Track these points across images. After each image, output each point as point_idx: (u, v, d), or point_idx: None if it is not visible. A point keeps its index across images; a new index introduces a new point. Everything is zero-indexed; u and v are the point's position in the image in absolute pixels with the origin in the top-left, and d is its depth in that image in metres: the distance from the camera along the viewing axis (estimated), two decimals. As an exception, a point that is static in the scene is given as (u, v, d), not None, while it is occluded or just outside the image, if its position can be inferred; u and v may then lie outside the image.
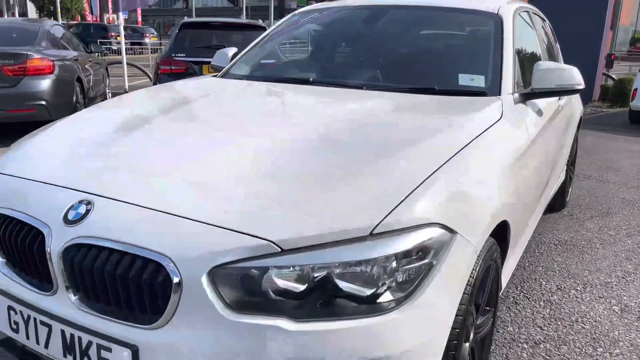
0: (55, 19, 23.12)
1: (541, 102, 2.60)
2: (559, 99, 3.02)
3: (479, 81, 2.39)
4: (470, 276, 1.55)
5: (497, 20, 2.65)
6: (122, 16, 9.47)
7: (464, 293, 1.52)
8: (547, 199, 3.18)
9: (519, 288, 2.87)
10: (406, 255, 1.35)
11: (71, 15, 26.88)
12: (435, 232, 1.42)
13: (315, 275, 1.29)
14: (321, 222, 1.33)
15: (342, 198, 1.40)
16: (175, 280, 1.28)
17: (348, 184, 1.46)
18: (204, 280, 1.27)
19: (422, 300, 1.36)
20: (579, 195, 4.66)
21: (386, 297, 1.33)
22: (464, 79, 2.41)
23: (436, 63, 2.60)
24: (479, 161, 1.76)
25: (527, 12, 3.18)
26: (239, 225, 1.32)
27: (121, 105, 2.44)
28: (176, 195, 1.44)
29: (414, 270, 1.37)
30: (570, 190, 4.44)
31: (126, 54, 10.37)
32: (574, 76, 2.44)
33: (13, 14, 28.55)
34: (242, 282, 1.29)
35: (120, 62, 9.90)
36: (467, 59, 2.60)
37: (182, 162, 1.62)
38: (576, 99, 4.06)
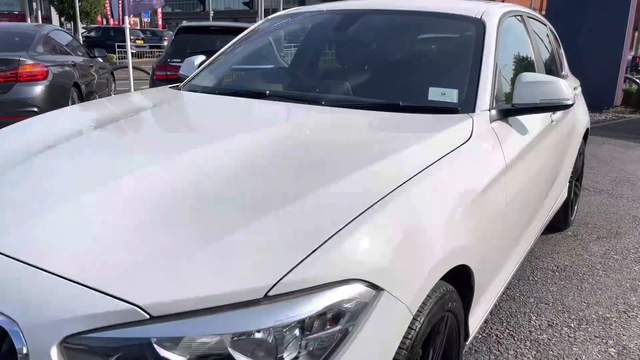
0: (75, 22, 23.37)
1: (527, 118, 2.31)
2: (553, 113, 2.72)
3: (451, 96, 2.11)
4: (405, 338, 1.29)
5: (479, 27, 2.37)
6: (127, 20, 9.33)
7: (395, 360, 1.26)
8: (541, 221, 2.88)
9: (504, 324, 2.58)
10: (314, 320, 1.10)
11: (90, 19, 27.15)
12: (353, 291, 1.16)
13: (196, 348, 1.04)
14: (205, 281, 1.08)
15: (237, 250, 1.15)
16: (23, 351, 1.05)
17: (248, 231, 1.20)
18: (54, 353, 1.04)
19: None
20: (587, 213, 4.31)
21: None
22: (434, 94, 2.13)
23: (406, 75, 2.33)
24: (427, 195, 1.49)
25: (520, 16, 2.89)
26: (101, 283, 1.08)
27: (43, 122, 2.21)
28: (41, 240, 1.21)
29: (325, 338, 1.12)
30: (576, 207, 4.10)
31: (146, 57, 10.29)
32: (560, 90, 2.15)
33: (36, 18, 29.02)
34: (102, 357, 1.05)
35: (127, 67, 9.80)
36: (441, 70, 2.32)
37: (63, 197, 1.37)
38: (580, 109, 3.74)
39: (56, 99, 6.35)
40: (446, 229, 1.50)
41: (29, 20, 28.91)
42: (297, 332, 1.09)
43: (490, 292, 2.04)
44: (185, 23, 7.41)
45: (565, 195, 3.56)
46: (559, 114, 2.83)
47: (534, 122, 2.38)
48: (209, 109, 2.24)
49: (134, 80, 8.75)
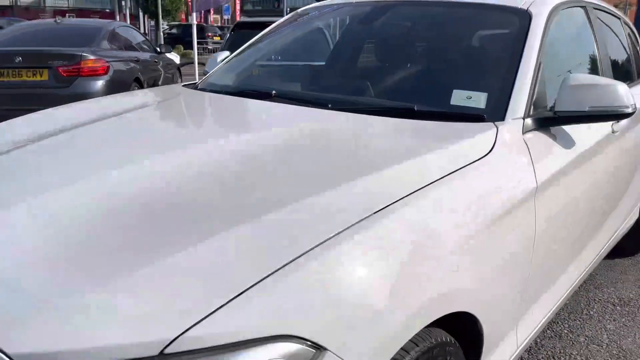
0: (157, 20, 24.34)
1: (575, 129, 1.93)
2: (615, 122, 2.30)
3: (477, 100, 1.79)
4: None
5: (523, 19, 2.01)
6: (194, 16, 9.52)
7: None
8: (600, 247, 2.46)
9: (543, 367, 2.21)
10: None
11: (172, 16, 28.22)
12: (284, 350, 0.92)
13: None
14: (84, 331, 0.88)
15: (141, 286, 0.94)
16: None
17: (156, 268, 0.98)
18: None
19: None
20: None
21: None
22: (459, 97, 1.82)
23: (428, 76, 2.02)
24: (409, 227, 1.20)
25: (583, 7, 2.47)
26: None
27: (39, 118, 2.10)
28: None
29: None
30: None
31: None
32: (617, 95, 1.77)
33: (124, 16, 30.57)
34: None
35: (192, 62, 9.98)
36: (473, 70, 2.00)
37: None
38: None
39: (116, 93, 6.49)
40: (440, 265, 1.21)
41: (117, 17, 30.53)
42: None
43: (513, 338, 1.71)
44: (242, 19, 7.40)
45: (636, 216, 3.07)
46: (623, 123, 2.40)
47: (585, 133, 1.99)
48: (207, 109, 2.06)
49: (199, 75, 8.88)
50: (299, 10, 2.72)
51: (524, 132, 1.69)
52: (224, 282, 0.94)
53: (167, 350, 0.85)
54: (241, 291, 0.93)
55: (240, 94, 2.14)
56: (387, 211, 1.17)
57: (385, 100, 1.94)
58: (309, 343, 0.94)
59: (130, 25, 8.88)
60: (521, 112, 1.73)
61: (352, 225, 1.10)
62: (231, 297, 0.91)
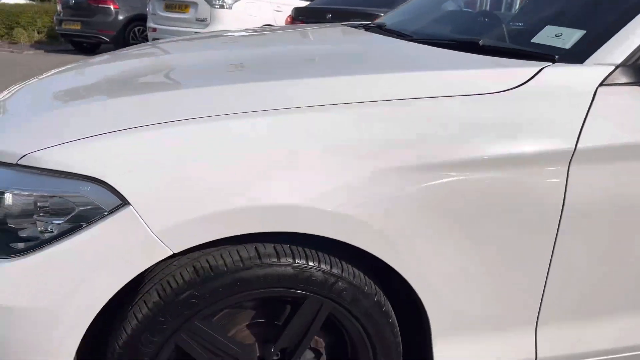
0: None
1: None
2: None
3: (566, 38, 1.36)
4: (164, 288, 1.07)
5: None
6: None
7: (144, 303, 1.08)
8: None
9: None
10: (45, 201, 1.07)
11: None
12: (89, 190, 1.05)
13: None
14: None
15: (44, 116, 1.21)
16: None
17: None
18: None
19: (36, 268, 1.05)
20: None
21: (19, 241, 1.09)
22: (546, 34, 1.42)
23: (531, 13, 1.59)
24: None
25: None
26: None
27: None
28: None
29: (51, 224, 1.07)
30: None
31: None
32: None
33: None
34: None
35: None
36: (586, 5, 1.49)
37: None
38: None
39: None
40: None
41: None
42: (31, 205, 1.08)
43: (520, 342, 1.33)
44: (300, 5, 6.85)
45: None
46: None
47: None
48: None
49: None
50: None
51: (604, 82, 1.23)
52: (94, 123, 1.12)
53: (20, 162, 1.09)
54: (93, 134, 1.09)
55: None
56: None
57: (467, 37, 1.65)
58: (119, 194, 1.04)
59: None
60: (621, 57, 1.25)
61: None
62: (79, 138, 1.09)
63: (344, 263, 1.18)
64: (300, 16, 6.86)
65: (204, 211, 1.05)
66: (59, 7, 10.01)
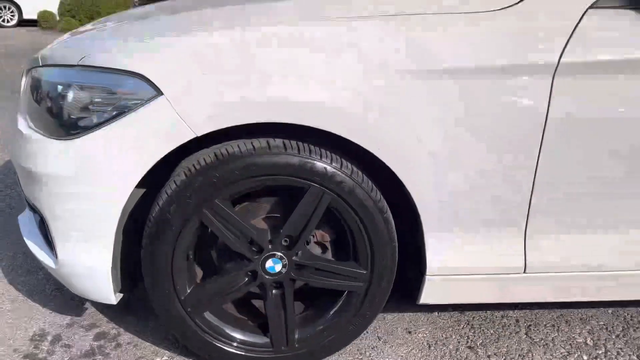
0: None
1: None
2: None
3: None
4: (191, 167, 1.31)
5: None
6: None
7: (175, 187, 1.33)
8: None
9: None
10: (98, 92, 1.32)
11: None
12: (132, 83, 1.29)
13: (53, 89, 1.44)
14: (66, 48, 1.47)
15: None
16: None
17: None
18: None
19: (90, 146, 1.32)
20: None
21: (77, 124, 1.35)
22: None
23: None
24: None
25: None
26: None
27: None
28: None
29: (103, 111, 1.32)
30: None
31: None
32: None
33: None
34: None
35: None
36: None
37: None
38: None
39: None
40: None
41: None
42: (86, 95, 1.33)
43: (511, 247, 1.45)
44: None
45: None
46: None
47: None
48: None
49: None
50: None
51: (595, 5, 1.32)
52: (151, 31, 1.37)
53: (80, 62, 1.35)
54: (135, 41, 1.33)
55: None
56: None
57: None
58: (151, 84, 1.27)
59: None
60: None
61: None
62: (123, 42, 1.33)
63: (343, 160, 1.36)
64: None
65: (219, 100, 1.26)
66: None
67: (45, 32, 11.53)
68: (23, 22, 12.89)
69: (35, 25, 12.25)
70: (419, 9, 1.33)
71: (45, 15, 11.89)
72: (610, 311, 1.86)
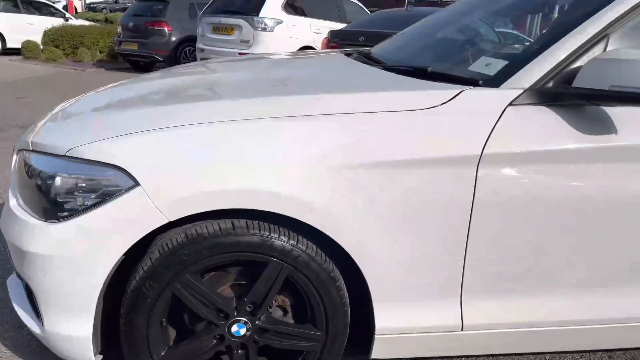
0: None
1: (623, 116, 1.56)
2: None
3: (493, 67, 1.71)
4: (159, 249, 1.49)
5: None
6: None
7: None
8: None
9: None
10: (82, 181, 1.50)
11: None
12: (112, 174, 1.47)
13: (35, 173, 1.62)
14: (53, 136, 1.64)
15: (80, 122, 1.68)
16: None
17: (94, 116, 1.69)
18: None
19: (74, 230, 1.49)
20: None
21: (63, 209, 1.52)
22: (480, 64, 1.77)
23: (473, 43, 1.92)
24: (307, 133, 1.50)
25: None
26: None
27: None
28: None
29: (86, 198, 1.50)
30: None
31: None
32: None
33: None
34: None
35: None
36: (517, 38, 1.81)
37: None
38: None
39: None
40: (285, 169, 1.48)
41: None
42: (71, 184, 1.51)
43: (450, 311, 1.65)
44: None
45: None
46: None
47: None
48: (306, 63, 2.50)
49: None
50: None
51: (514, 103, 1.56)
52: (122, 126, 1.55)
53: (67, 154, 1.53)
54: (118, 135, 1.51)
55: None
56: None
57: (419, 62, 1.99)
58: (129, 175, 1.45)
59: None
60: (529, 82, 1.58)
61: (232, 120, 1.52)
62: (105, 137, 1.52)
63: (299, 236, 1.55)
64: (335, 39, 7.29)
65: (189, 192, 1.45)
66: (119, 29, 10.93)
67: (28, 62, 11.66)
68: (7, 51, 13.01)
69: (19, 54, 12.37)
70: (361, 108, 1.55)
71: (29, 45, 12.02)
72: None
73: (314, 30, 8.88)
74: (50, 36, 12.30)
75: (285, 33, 8.44)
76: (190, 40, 10.09)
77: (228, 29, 8.56)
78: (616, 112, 1.57)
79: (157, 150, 1.48)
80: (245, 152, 1.48)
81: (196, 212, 1.47)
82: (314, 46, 8.78)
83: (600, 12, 1.61)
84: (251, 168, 1.47)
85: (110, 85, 2.21)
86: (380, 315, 1.65)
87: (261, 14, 8.30)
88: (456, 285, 1.65)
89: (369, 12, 9.89)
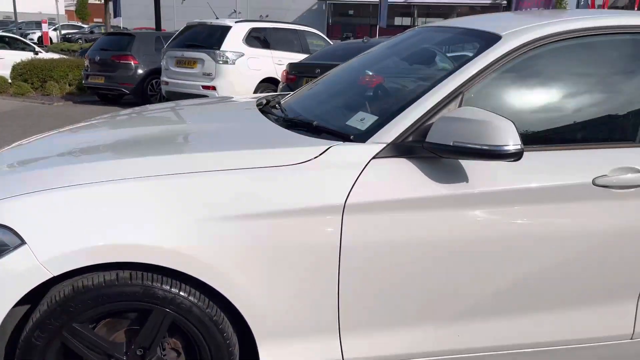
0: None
1: (486, 167, 1.74)
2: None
3: (365, 122, 1.89)
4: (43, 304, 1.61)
5: (486, 43, 1.89)
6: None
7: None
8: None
9: None
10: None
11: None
12: (1, 234, 1.59)
13: None
14: None
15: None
16: None
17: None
18: None
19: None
20: None
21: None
22: (356, 119, 1.94)
23: (357, 98, 2.10)
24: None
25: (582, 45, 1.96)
26: None
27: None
28: None
29: None
30: None
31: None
32: (496, 135, 1.58)
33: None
34: None
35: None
36: (393, 93, 2.00)
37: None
38: None
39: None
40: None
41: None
42: None
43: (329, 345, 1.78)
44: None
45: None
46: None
47: (503, 174, 1.75)
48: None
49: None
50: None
51: (377, 156, 1.73)
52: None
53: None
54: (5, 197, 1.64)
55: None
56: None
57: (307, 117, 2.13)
58: (20, 236, 1.58)
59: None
60: (391, 138, 1.75)
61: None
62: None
63: (182, 284, 1.68)
64: (293, 71, 7.50)
65: (71, 248, 1.57)
66: (86, 63, 11.05)
67: (-4, 97, 11.71)
68: (-25, 85, 13.02)
69: (-13, 88, 12.40)
70: (249, 165, 1.70)
71: (-3, 80, 12.08)
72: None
73: (276, 62, 9.09)
74: (19, 70, 12.36)
75: (247, 65, 8.64)
76: (157, 73, 10.21)
77: (191, 63, 8.74)
78: (470, 164, 1.75)
79: (44, 210, 1.60)
80: (128, 209, 1.61)
81: (80, 267, 1.59)
82: (277, 77, 8.99)
83: (453, 74, 1.81)
84: (134, 223, 1.60)
85: (34, 137, 2.35)
86: (263, 353, 1.77)
87: (222, 47, 8.50)
88: (333, 322, 1.78)
89: (331, 43, 10.18)
